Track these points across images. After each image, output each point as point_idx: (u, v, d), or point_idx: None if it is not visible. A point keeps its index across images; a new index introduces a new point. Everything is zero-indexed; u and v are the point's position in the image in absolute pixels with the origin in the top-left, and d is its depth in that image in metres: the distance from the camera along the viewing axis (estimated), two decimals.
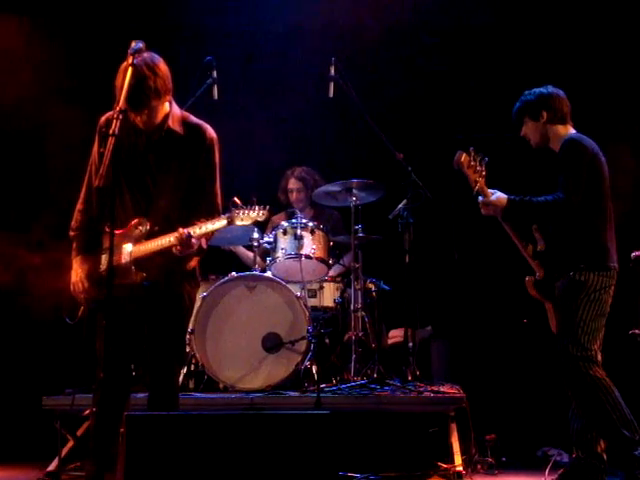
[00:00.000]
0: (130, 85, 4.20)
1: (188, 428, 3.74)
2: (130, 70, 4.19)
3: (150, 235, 4.44)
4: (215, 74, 6.51)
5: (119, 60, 4.29)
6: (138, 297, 4.43)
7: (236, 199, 4.36)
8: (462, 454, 5.65)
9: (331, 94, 6.57)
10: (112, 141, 4.01)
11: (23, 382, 6.91)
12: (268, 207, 4.40)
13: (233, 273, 6.50)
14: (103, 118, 4.55)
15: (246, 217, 4.35)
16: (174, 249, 4.37)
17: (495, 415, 6.57)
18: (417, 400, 5.97)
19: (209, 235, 4.44)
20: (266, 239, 6.84)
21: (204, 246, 4.49)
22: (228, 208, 4.37)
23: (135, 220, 4.46)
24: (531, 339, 7.03)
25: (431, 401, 5.94)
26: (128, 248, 4.43)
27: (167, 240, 4.37)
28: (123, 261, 4.42)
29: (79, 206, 4.60)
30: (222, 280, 6.46)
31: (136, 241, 4.44)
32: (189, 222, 4.38)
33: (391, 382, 6.34)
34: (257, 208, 4.36)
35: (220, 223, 4.36)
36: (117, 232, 4.30)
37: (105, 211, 4.38)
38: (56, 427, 5.79)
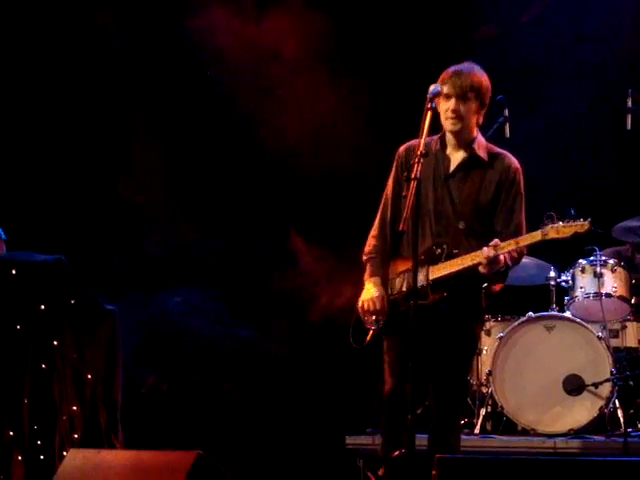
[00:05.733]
0: (462, 77, 4.31)
1: (498, 472, 3.71)
2: (429, 114, 4.19)
3: (448, 256, 4.33)
4: (507, 112, 6.49)
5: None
6: (429, 320, 4.24)
7: (552, 213, 4.17)
8: None
9: (629, 126, 6.40)
10: (414, 185, 4.03)
11: (328, 421, 7.04)
12: (590, 219, 4.15)
13: (530, 313, 6.37)
14: (402, 148, 4.57)
15: (563, 229, 4.15)
16: (480, 268, 4.24)
17: None
18: None
19: (515, 253, 4.28)
20: (563, 277, 6.66)
21: (510, 264, 4.29)
22: (541, 224, 4.19)
23: (432, 244, 4.38)
24: None
25: None
26: (422, 272, 4.30)
27: (469, 259, 4.26)
28: (418, 284, 4.22)
29: (373, 232, 4.64)
30: (519, 320, 6.35)
31: (433, 263, 4.34)
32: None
33: None
34: (576, 220, 4.14)
35: (531, 237, 4.23)
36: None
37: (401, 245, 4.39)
38: (359, 466, 5.92)
